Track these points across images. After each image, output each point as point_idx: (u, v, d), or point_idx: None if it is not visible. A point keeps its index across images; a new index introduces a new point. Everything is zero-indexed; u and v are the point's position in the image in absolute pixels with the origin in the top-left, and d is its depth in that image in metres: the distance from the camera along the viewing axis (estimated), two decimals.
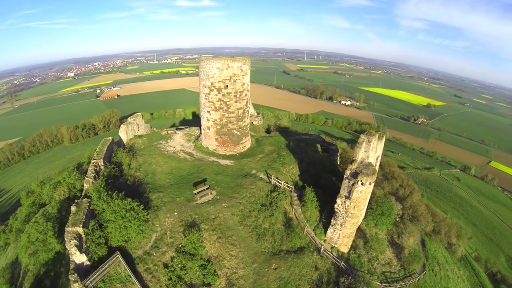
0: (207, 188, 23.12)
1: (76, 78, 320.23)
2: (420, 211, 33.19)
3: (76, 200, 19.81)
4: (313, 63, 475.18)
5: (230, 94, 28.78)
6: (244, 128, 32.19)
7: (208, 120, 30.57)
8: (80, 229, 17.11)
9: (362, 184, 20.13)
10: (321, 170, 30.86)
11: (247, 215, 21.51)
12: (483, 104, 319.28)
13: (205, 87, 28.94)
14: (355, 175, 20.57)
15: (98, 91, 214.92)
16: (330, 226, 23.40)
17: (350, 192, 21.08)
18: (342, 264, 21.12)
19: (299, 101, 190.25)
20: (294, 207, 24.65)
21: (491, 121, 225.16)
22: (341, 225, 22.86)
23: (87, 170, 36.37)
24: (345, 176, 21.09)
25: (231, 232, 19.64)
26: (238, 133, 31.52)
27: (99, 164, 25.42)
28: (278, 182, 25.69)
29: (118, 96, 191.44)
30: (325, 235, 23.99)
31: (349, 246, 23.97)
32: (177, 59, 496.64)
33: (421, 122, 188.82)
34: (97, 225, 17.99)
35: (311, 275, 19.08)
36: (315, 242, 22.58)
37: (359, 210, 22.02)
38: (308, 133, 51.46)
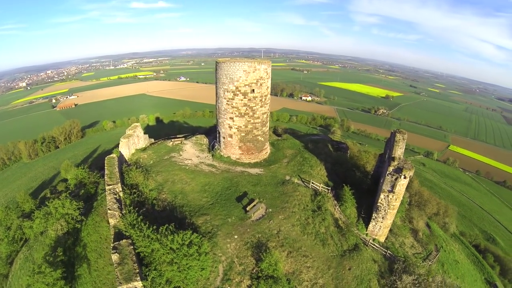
0: (257, 203, 23.03)
1: (29, 88, 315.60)
2: (425, 197, 40.61)
3: (113, 244, 17.07)
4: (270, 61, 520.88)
5: (256, 99, 28.76)
6: (267, 133, 32.52)
7: (230, 127, 29.99)
8: (138, 284, 14.72)
9: (404, 177, 24.14)
10: (345, 169, 35.06)
11: (305, 223, 22.50)
12: (437, 93, 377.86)
13: (228, 91, 28.28)
14: (397, 170, 24.59)
15: (53, 100, 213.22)
16: (371, 220, 26.33)
17: (393, 186, 24.74)
18: (388, 253, 24.26)
19: None
20: (336, 207, 27.22)
21: (446, 108, 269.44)
22: (382, 218, 26.46)
23: (78, 193, 32.71)
24: (387, 172, 24.59)
25: (298, 244, 20.30)
26: (262, 139, 31.72)
27: (117, 190, 22.73)
28: (316, 185, 27.34)
29: (75, 105, 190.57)
30: (366, 229, 27.77)
31: (386, 236, 28.58)
32: (134, 63, 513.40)
33: (381, 113, 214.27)
34: (157, 274, 15.58)
35: (374, 268, 21.59)
36: (361, 237, 25.13)
37: (399, 201, 26.38)
38: (315, 133, 55.69)
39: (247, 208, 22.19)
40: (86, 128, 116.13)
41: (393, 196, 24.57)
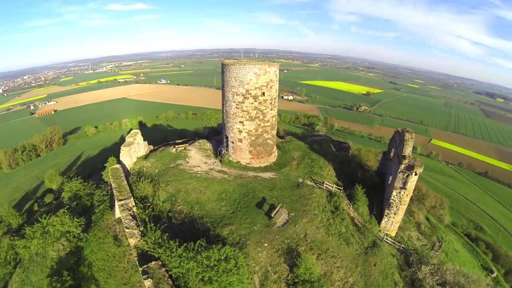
0: (280, 208, 23.86)
1: (5, 94, 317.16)
2: (423, 191, 44.56)
3: (142, 268, 16.55)
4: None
5: (267, 102, 29.62)
6: (275, 136, 33.64)
7: (240, 131, 30.57)
8: None
9: (415, 174, 26.94)
10: (352, 168, 37.52)
11: (327, 224, 23.91)
12: (416, 88, 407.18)
13: (238, 94, 28.81)
14: (409, 168, 27.16)
15: (32, 107, 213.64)
16: (384, 216, 28.57)
17: (404, 183, 27.35)
18: (402, 246, 26.69)
19: None
20: (350, 206, 28.84)
21: (425, 103, 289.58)
22: (394, 214, 28.89)
23: (73, 208, 31.44)
24: (399, 170, 27.34)
25: (326, 246, 21.59)
26: (271, 142, 32.71)
27: (130, 205, 22.34)
28: (330, 186, 29.05)
29: (55, 111, 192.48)
30: (379, 226, 30.31)
31: (396, 230, 31.33)
32: (113, 67, 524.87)
33: (363, 110, 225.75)
34: None
35: (393, 262, 23.62)
36: (376, 233, 27.06)
37: (409, 197, 29.12)
38: (316, 134, 57.95)
39: (272, 214, 22.97)
40: (68, 135, 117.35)
41: (404, 192, 27.09)
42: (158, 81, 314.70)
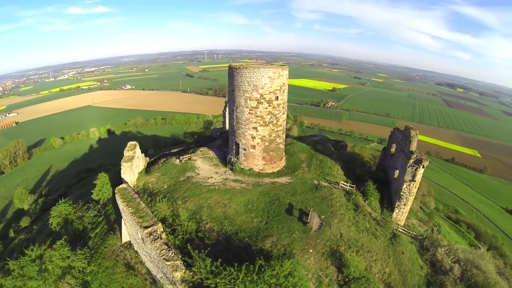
0: (311, 212, 25.73)
1: None
2: None
3: None
4: (214, 63, 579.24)
5: (280, 106, 31.30)
6: (284, 140, 35.83)
7: (253, 137, 31.78)
8: None
9: (423, 167, 31.89)
10: (357, 165, 41.86)
11: (354, 222, 26.72)
12: (381, 82, 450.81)
13: (251, 99, 29.95)
14: (417, 162, 31.95)
15: None
16: (395, 208, 32.91)
17: (413, 176, 32.17)
18: (413, 234, 31.37)
19: (209, 102, 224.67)
20: (366, 202, 32.62)
21: (390, 96, 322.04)
22: (404, 205, 33.44)
23: (64, 237, 29.31)
24: (408, 164, 31.95)
25: (360, 242, 24.19)
26: (282, 146, 34.64)
27: (158, 231, 20.96)
28: (345, 185, 32.38)
29: (16, 123, 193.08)
30: (391, 217, 35.00)
31: (405, 220, 36.40)
32: (75, 73, 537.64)
33: (330, 105, 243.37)
34: None
35: (413, 248, 27.72)
36: (392, 225, 30.76)
37: (417, 188, 34.17)
38: (313, 134, 61.71)
39: (307, 220, 24.94)
40: (33, 148, 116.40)
41: (413, 184, 31.82)
42: (123, 87, 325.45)
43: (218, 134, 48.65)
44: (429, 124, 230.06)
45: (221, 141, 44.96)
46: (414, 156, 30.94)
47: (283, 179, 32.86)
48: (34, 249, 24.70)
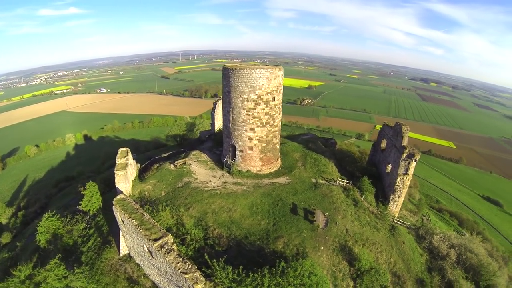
0: (316, 210, 27.06)
1: None
2: None
3: None
4: (189, 64, 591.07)
5: (276, 106, 32.22)
6: (280, 140, 37.36)
7: (251, 139, 32.38)
8: None
9: (415, 161, 34.55)
10: (350, 162, 44.11)
11: (356, 217, 28.39)
12: (356, 79, 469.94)
13: (248, 101, 30.50)
14: (409, 156, 34.49)
15: None
16: (390, 201, 35.19)
17: (407, 169, 34.77)
18: (408, 224, 33.81)
19: (186, 104, 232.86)
20: (362, 197, 35.26)
21: (366, 92, 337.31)
22: (398, 197, 35.87)
23: (51, 250, 28.07)
24: (401, 159, 34.43)
25: (365, 236, 25.88)
26: (278, 146, 35.68)
27: (169, 243, 20.37)
28: (342, 181, 34.28)
29: None
30: (386, 210, 37.22)
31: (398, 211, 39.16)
32: (48, 78, 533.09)
33: (307, 103, 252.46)
34: None
35: (411, 237, 30.08)
36: (389, 217, 33.01)
37: (410, 181, 36.93)
38: (302, 133, 63.47)
39: (313, 218, 26.12)
40: (6, 157, 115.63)
41: (407, 177, 34.43)
42: (98, 90, 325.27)
43: (207, 136, 48.79)
44: (405, 118, 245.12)
45: (211, 143, 45.19)
46: (407, 150, 33.39)
47: (282, 179, 33.93)
48: (22, 269, 23.60)
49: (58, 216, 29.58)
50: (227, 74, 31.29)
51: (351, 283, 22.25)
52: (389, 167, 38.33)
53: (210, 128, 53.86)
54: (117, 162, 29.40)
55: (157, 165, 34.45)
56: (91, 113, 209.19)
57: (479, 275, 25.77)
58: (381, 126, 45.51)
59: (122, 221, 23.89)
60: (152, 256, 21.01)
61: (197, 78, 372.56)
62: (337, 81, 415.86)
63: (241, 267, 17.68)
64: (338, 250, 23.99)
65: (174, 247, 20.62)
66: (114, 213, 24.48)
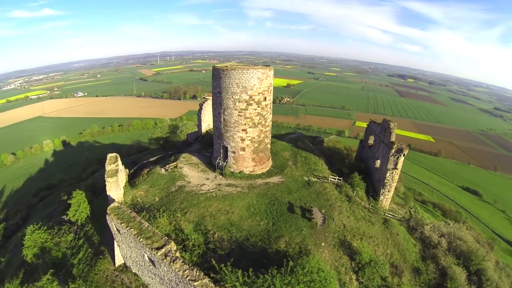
0: (313, 208, 27.99)
1: None
2: None
3: None
4: (167, 65, 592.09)
5: (267, 106, 32.69)
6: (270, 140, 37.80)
7: (243, 140, 32.66)
8: None
9: (404, 156, 36.46)
10: (339, 159, 45.62)
11: (351, 212, 29.52)
12: (334, 76, 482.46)
13: (240, 101, 30.74)
14: (398, 151, 36.33)
15: None
16: (380, 195, 36.82)
17: (396, 164, 36.62)
18: (399, 216, 35.70)
19: (165, 106, 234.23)
20: (354, 193, 36.63)
21: (344, 89, 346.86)
22: (388, 191, 37.66)
23: (51, 271, 26.88)
24: (390, 154, 36.26)
25: (361, 230, 27.16)
26: (269, 146, 36.35)
27: (173, 250, 19.78)
28: (334, 178, 35.56)
29: None
30: (376, 203, 38.61)
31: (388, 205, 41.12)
32: (23, 82, 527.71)
33: (286, 101, 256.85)
34: None
35: (403, 229, 31.94)
36: (381, 211, 34.72)
37: (398, 175, 38.90)
38: (289, 132, 64.48)
39: (310, 216, 26.91)
40: None
41: (396, 172, 36.36)
42: (75, 94, 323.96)
43: (194, 138, 48.58)
44: (384, 113, 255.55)
45: (199, 146, 45.09)
46: (396, 146, 35.19)
47: (275, 179, 34.51)
48: (10, 287, 22.77)
49: (45, 228, 28.51)
50: (217, 75, 31.40)
51: (353, 276, 23.21)
52: (378, 163, 40.11)
53: (196, 130, 53.63)
54: (106, 169, 28.70)
55: (148, 169, 33.93)
56: (68, 118, 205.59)
57: (469, 261, 27.82)
58: (367, 123, 47.34)
59: (118, 230, 23.37)
60: (155, 266, 20.69)
61: (175, 80, 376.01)
62: (315, 79, 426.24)
63: (250, 269, 17.97)
64: (338, 246, 24.91)
65: (178, 254, 20.14)
66: (108, 222, 23.89)
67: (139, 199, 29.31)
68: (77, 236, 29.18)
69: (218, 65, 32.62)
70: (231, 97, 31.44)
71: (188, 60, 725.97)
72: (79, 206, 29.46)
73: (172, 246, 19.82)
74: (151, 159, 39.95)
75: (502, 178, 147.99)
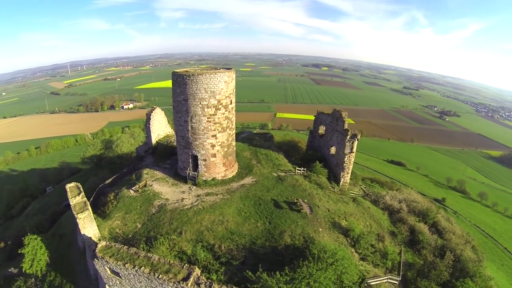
0: (297, 200, 31.41)
1: None
2: None
3: None
4: (79, 75, 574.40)
5: (233, 109, 34.28)
6: None
7: (213, 146, 33.45)
8: None
9: (357, 140, 43.60)
10: (295, 151, 50.97)
11: (328, 197, 34.34)
12: (249, 71, 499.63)
13: (209, 107, 31.42)
14: (352, 137, 43.27)
15: None
16: (341, 178, 42.61)
17: (351, 148, 43.63)
18: (359, 193, 43.56)
19: (83, 120, 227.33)
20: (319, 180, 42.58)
21: (261, 83, 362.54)
22: (347, 173, 44.46)
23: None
24: (346, 140, 42.83)
25: (342, 210, 32.59)
26: (236, 149, 38.26)
27: (201, 276, 19.56)
28: (300, 170, 40.12)
29: None
30: (338, 186, 43.40)
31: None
32: None
33: None
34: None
35: (369, 203, 38.80)
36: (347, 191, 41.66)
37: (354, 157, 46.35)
38: (240, 132, 66.42)
39: (297, 207, 30.38)
40: None
41: (352, 155, 43.79)
42: None
43: (145, 151, 46.78)
44: (303, 102, 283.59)
45: (152, 159, 43.71)
46: (350, 132, 42.15)
47: (248, 180, 36.45)
48: None
49: None
50: (182, 81, 31.45)
51: (352, 250, 27.73)
52: (333, 149, 46.95)
53: (144, 142, 51.42)
54: (71, 203, 25.93)
55: (113, 194, 31.84)
56: None
57: (426, 216, 36.55)
58: (315, 115, 53.97)
59: (116, 273, 21.90)
60: None
61: (90, 91, 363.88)
62: None
63: (286, 267, 20.05)
64: (332, 227, 29.08)
65: (205, 278, 19.97)
66: (98, 266, 21.94)
67: (117, 230, 27.49)
68: None
69: (178, 70, 32.85)
70: (199, 103, 31.98)
71: (101, 69, 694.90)
72: (35, 255, 26.20)
73: (197, 271, 19.56)
74: (107, 182, 37.03)
75: (419, 147, 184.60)
